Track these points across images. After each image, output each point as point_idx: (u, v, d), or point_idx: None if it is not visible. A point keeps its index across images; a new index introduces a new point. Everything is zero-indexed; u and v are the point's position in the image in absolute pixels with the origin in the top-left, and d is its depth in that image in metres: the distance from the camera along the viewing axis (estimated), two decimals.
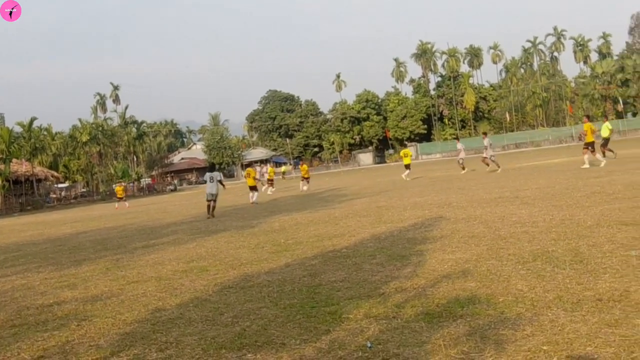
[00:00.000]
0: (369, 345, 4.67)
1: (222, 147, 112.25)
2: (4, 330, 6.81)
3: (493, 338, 4.52)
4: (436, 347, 4.46)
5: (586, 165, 23.44)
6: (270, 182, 35.65)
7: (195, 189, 78.66)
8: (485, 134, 34.57)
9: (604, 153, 26.38)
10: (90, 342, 5.84)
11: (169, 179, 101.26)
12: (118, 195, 45.92)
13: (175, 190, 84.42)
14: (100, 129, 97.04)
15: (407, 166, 34.62)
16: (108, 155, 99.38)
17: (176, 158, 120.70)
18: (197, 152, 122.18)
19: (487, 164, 30.63)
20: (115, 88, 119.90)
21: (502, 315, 5.07)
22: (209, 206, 21.49)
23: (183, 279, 8.91)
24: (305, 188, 34.78)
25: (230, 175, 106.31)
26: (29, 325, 6.95)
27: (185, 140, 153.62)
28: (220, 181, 22.55)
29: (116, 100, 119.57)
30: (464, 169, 32.82)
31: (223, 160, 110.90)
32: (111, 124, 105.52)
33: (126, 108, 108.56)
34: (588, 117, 29.41)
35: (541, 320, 4.83)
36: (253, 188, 26.89)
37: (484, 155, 30.98)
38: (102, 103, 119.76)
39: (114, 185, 50.61)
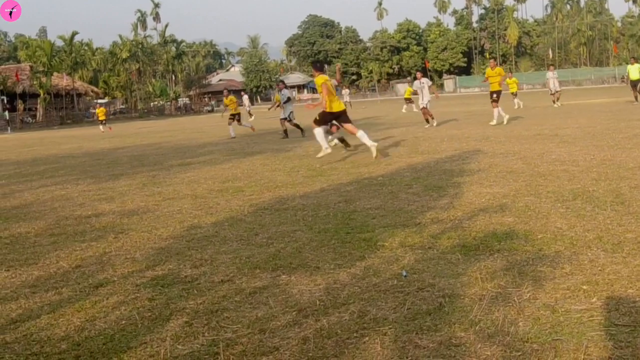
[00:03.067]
0: (404, 274, 4.65)
1: (260, 71, 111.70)
2: (43, 239, 6.93)
3: (531, 274, 4.45)
4: (472, 280, 4.42)
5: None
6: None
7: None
8: (552, 65, 33.14)
9: (636, 97, 25.63)
10: (126, 255, 5.92)
11: (206, 99, 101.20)
12: (99, 118, 43.97)
13: (212, 111, 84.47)
14: (140, 46, 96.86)
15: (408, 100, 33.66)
16: (147, 73, 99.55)
17: (214, 79, 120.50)
18: (235, 74, 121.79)
19: (555, 100, 29.71)
20: (156, 5, 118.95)
21: (540, 252, 4.99)
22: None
23: (218, 198, 8.96)
24: None
25: (267, 99, 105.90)
26: (67, 235, 7.07)
27: (223, 61, 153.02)
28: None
29: (156, 18, 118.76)
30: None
31: (260, 83, 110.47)
32: (151, 42, 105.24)
33: (166, 26, 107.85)
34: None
35: (580, 259, 4.74)
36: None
37: (553, 88, 29.92)
38: (142, 20, 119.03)
39: (92, 110, 48.11)
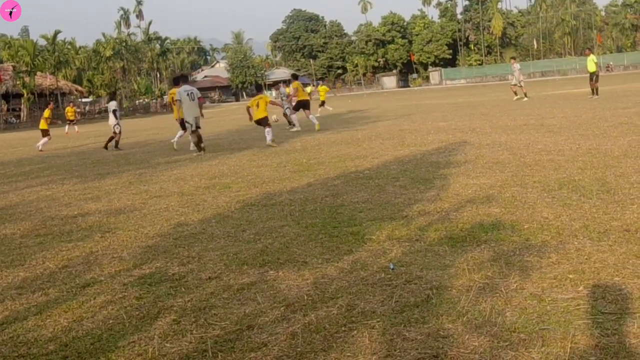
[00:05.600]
0: (391, 267, 4.66)
1: (245, 66, 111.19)
2: (29, 239, 6.89)
3: (518, 264, 4.47)
4: (460, 271, 4.43)
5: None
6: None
7: (218, 107, 78.61)
8: (514, 58, 33.21)
9: (593, 90, 25.43)
10: (113, 254, 5.89)
11: None
12: (68, 117, 40.13)
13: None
14: (124, 44, 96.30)
15: (322, 103, 32.34)
16: (131, 71, 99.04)
17: (199, 76, 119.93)
18: (220, 70, 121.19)
19: (515, 92, 29.30)
20: (139, 3, 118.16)
21: (527, 242, 5.01)
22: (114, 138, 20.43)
23: (205, 195, 8.93)
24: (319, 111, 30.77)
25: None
26: (53, 235, 7.03)
27: (208, 58, 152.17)
28: (114, 111, 21.33)
29: (140, 15, 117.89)
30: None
31: (246, 79, 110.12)
32: (135, 40, 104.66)
33: (149, 24, 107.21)
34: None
35: (567, 248, 4.76)
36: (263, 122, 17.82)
37: (513, 82, 29.86)
38: (125, 18, 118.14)
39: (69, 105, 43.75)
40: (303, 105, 21.82)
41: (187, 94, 15.93)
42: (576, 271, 4.23)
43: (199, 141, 15.97)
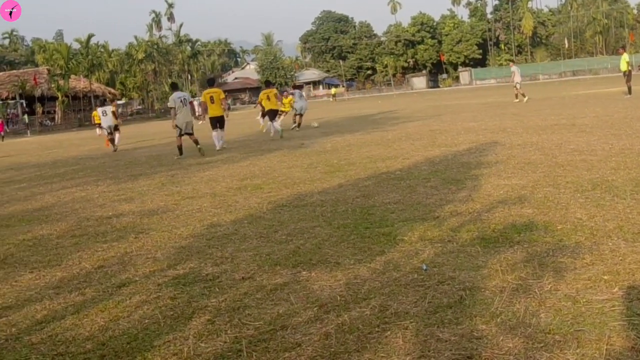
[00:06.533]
0: (424, 267, 4.66)
1: (275, 68, 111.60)
2: (65, 240, 7.01)
3: (551, 265, 4.44)
4: (493, 272, 4.41)
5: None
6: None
7: (247, 108, 78.94)
8: (512, 61, 34.34)
9: (629, 88, 25.22)
10: (147, 255, 5.97)
11: None
12: (96, 121, 36.54)
13: (228, 109, 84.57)
14: (156, 46, 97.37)
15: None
16: (163, 73, 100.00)
17: (230, 78, 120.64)
18: (250, 72, 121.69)
19: (516, 95, 29.93)
20: (170, 6, 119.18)
21: (560, 243, 4.97)
22: (111, 140, 22.79)
23: (237, 196, 9.00)
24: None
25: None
26: (88, 236, 7.14)
27: (238, 60, 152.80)
28: (114, 112, 23.88)
29: (171, 18, 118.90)
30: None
31: (276, 80, 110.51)
32: (166, 42, 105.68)
33: (181, 26, 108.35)
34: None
35: (601, 249, 4.72)
36: (272, 114, 21.19)
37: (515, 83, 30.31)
38: (157, 21, 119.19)
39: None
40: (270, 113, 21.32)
41: (181, 100, 16.83)
42: (611, 272, 4.19)
43: (195, 143, 16.73)
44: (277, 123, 21.01)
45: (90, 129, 49.32)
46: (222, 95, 18.36)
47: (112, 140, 22.76)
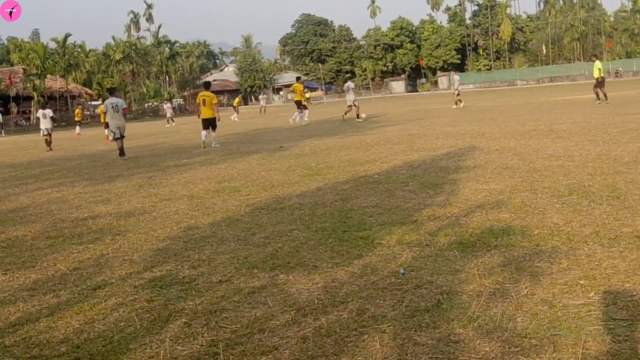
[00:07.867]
0: (401, 271, 4.66)
1: (254, 70, 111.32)
2: (40, 241, 6.93)
3: (528, 270, 4.47)
4: (470, 276, 4.43)
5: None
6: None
7: (226, 110, 78.66)
8: (454, 70, 36.96)
9: (597, 95, 25.73)
10: (124, 257, 5.92)
11: None
12: (76, 119, 41.11)
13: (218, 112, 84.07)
14: (134, 47, 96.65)
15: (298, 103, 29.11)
16: (141, 74, 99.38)
17: (208, 79, 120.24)
18: (229, 74, 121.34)
19: (456, 102, 31.94)
20: (149, 7, 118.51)
21: (537, 248, 5.00)
22: (46, 140, 24.73)
23: (215, 198, 8.96)
24: (305, 119, 28.57)
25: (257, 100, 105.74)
26: (64, 237, 7.06)
27: (217, 61, 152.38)
28: (52, 117, 26.09)
29: (149, 19, 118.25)
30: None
31: (255, 83, 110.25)
32: (144, 43, 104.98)
33: (159, 27, 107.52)
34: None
35: (578, 254, 4.76)
36: (299, 104, 28.68)
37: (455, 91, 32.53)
38: (135, 21, 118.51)
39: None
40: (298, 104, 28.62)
41: (112, 107, 17.93)
42: (587, 277, 4.22)
43: (121, 148, 17.71)
44: (300, 113, 27.96)
45: (67, 130, 48.88)
46: (215, 100, 19.54)
47: (48, 142, 24.85)
